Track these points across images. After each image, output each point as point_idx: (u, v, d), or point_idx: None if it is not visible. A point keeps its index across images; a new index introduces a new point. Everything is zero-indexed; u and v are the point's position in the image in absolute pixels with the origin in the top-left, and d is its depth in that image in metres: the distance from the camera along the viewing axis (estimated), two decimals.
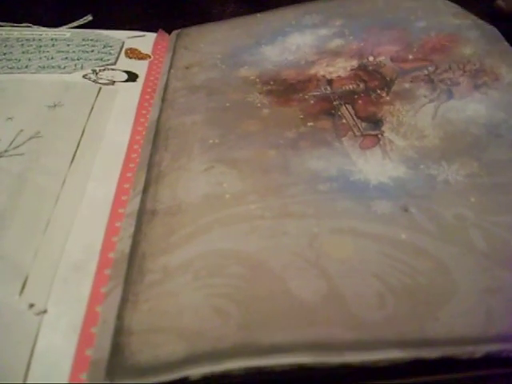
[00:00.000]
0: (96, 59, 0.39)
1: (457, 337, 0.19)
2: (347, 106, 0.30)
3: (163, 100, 0.33)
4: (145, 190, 0.26)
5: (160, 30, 0.43)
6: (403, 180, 0.25)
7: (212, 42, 0.39)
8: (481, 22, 0.35)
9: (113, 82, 0.36)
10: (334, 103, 0.31)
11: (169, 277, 0.22)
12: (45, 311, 0.22)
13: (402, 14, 0.37)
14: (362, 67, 0.33)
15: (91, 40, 0.41)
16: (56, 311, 0.22)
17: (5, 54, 0.39)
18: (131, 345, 0.20)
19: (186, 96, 0.33)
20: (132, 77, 0.37)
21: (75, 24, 0.44)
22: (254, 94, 0.32)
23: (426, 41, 0.34)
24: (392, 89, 0.31)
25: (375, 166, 0.26)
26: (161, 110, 0.32)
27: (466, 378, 0.19)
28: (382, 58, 0.34)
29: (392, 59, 0.34)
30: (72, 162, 0.29)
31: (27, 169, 0.29)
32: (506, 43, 0.33)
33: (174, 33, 0.42)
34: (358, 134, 0.28)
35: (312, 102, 0.31)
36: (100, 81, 0.36)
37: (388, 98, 0.30)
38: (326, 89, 0.32)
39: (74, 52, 0.39)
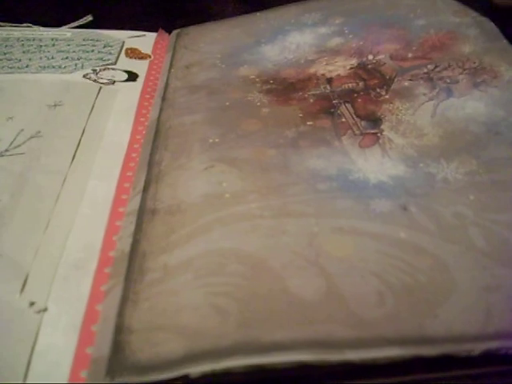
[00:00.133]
0: (96, 59, 0.39)
1: (456, 334, 0.19)
2: (347, 104, 0.30)
3: (163, 99, 0.33)
4: (145, 189, 0.26)
5: (160, 29, 0.43)
6: (402, 178, 0.25)
7: (212, 42, 0.39)
8: (481, 19, 0.35)
9: (113, 82, 0.36)
10: (334, 102, 0.31)
11: (169, 275, 0.22)
12: (45, 309, 0.22)
13: (401, 12, 0.37)
14: (362, 66, 0.33)
15: (91, 40, 0.41)
16: (56, 309, 0.22)
17: (5, 53, 0.39)
18: (131, 343, 0.20)
19: (186, 95, 0.33)
20: (132, 76, 0.37)
21: (75, 24, 0.44)
22: (253, 93, 0.33)
23: (425, 39, 0.34)
24: (391, 87, 0.31)
25: (375, 165, 0.26)
26: (161, 110, 0.32)
27: (465, 375, 0.19)
28: (381, 57, 0.34)
29: (391, 57, 0.34)
30: (72, 161, 0.29)
31: (28, 168, 0.29)
32: (506, 41, 0.33)
33: (174, 32, 0.42)
34: (357, 132, 0.28)
35: (311, 100, 0.31)
36: (100, 80, 0.36)
37: (387, 97, 0.30)
38: (325, 88, 0.32)
39: (74, 52, 0.39)
